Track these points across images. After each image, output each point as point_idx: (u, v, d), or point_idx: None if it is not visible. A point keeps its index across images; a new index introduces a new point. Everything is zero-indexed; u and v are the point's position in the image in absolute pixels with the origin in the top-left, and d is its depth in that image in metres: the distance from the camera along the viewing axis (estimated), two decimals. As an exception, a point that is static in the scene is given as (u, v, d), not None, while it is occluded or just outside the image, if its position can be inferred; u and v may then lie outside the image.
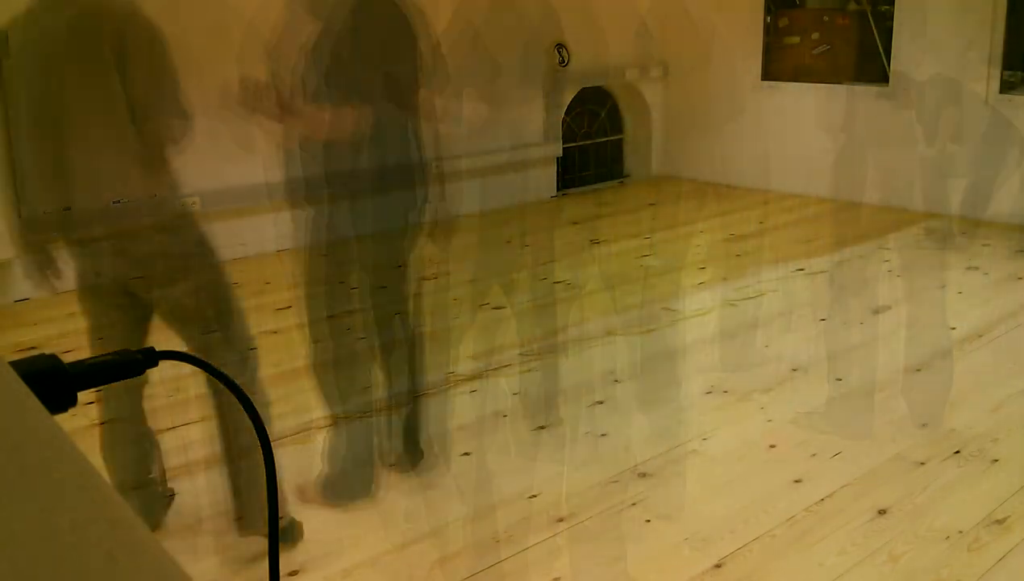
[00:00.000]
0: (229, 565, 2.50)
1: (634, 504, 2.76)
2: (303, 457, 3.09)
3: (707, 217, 6.33)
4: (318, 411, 3.45)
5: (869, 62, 6.49)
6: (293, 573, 2.43)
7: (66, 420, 0.53)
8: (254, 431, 0.80)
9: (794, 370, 3.73)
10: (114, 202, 2.22)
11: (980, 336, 4.03)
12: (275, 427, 3.32)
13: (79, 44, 2.18)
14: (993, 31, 5.74)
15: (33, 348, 4.21)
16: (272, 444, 0.82)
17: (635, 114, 7.63)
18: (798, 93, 6.80)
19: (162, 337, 2.31)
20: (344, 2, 2.58)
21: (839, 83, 6.60)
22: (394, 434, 2.94)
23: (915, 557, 2.46)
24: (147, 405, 2.63)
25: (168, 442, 3.19)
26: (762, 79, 6.97)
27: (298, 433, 3.27)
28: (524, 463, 3.04)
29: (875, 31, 6.44)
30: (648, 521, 2.67)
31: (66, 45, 2.18)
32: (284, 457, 3.09)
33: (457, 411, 3.42)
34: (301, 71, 2.55)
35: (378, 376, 2.86)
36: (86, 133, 2.22)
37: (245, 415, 0.80)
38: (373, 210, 2.68)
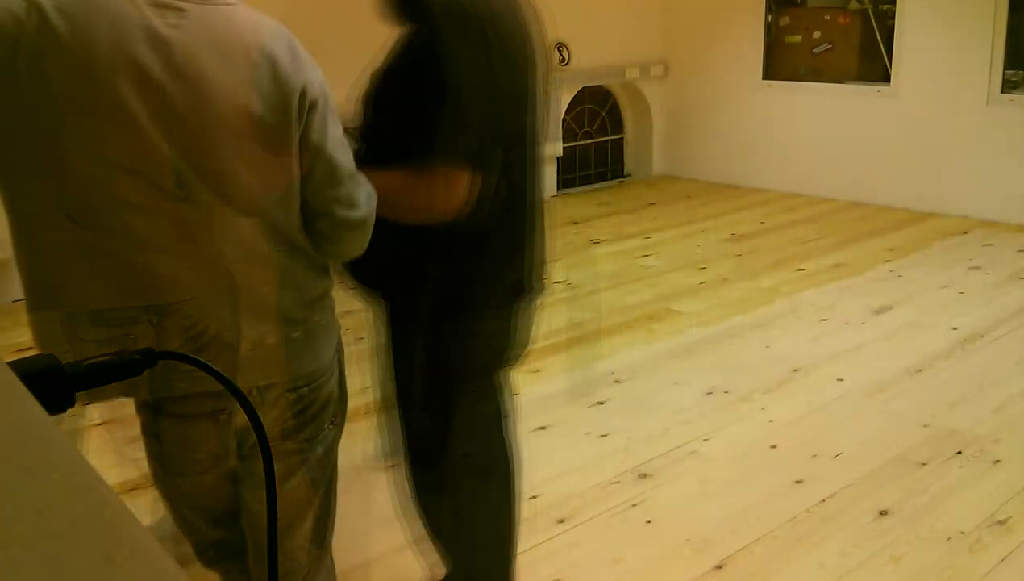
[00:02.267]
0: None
1: (634, 505, 2.75)
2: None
3: (708, 217, 6.33)
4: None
5: (871, 61, 6.49)
6: (293, 573, 2.43)
7: (65, 420, 0.53)
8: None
9: (795, 370, 3.72)
10: None
11: (982, 336, 4.03)
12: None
13: None
14: (995, 30, 5.73)
15: (32, 349, 4.20)
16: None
17: (635, 113, 7.62)
18: (799, 92, 6.80)
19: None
20: None
21: (840, 82, 6.60)
22: None
23: (916, 558, 2.46)
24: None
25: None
26: (763, 78, 6.97)
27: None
28: (524, 464, 3.04)
29: (876, 30, 6.44)
30: (649, 522, 2.67)
31: None
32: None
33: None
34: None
35: None
36: None
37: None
38: None
